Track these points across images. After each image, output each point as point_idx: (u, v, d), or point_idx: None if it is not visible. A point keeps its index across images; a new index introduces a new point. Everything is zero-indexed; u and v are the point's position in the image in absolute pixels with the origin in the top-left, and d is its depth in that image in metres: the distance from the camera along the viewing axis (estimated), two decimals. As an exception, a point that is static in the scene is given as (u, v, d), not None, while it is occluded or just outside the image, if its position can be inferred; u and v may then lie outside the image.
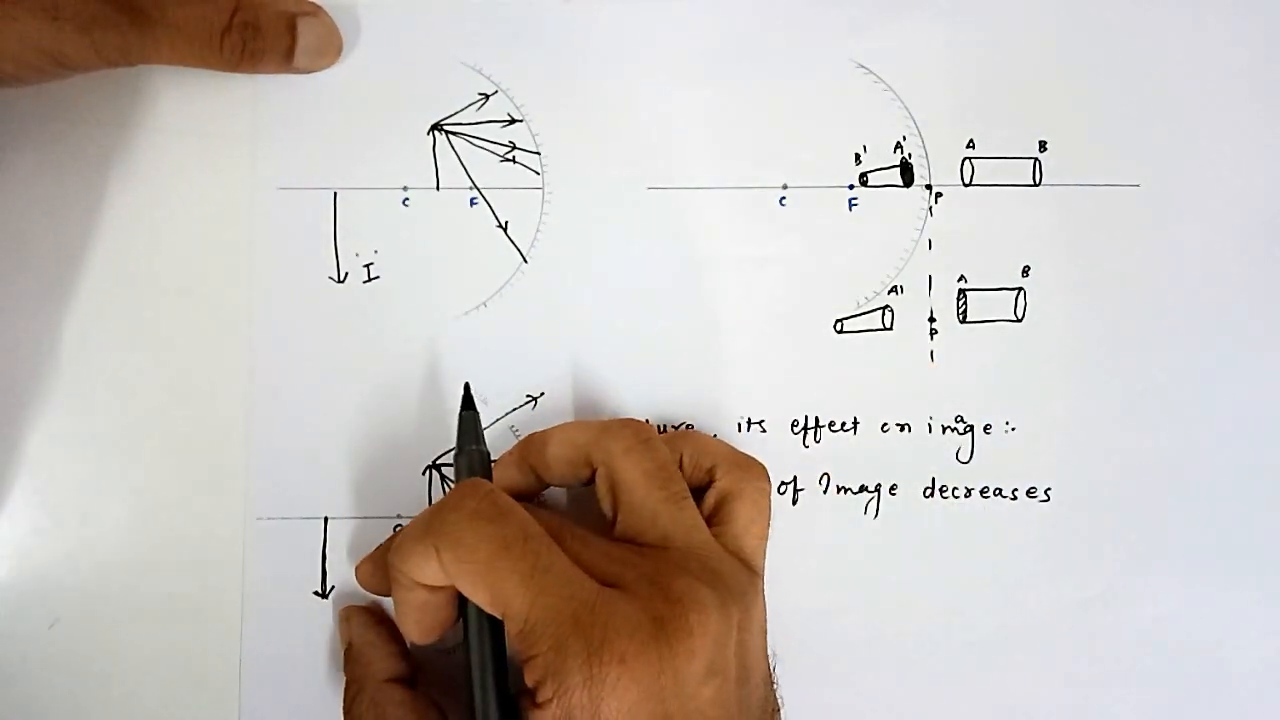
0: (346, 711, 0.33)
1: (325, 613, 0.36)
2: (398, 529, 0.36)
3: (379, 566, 0.34)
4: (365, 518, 0.36)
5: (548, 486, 0.34)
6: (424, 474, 0.36)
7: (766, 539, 0.33)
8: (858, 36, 0.37)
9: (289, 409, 0.36)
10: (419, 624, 0.31)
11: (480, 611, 0.29)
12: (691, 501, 0.32)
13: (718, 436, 0.36)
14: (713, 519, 0.32)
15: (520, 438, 0.36)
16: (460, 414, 0.33)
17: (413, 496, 0.36)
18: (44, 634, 0.35)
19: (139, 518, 0.36)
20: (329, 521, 0.36)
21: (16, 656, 0.35)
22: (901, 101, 0.37)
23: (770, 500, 0.33)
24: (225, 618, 0.35)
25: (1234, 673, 0.36)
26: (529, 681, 0.28)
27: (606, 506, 0.32)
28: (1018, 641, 0.36)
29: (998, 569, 0.36)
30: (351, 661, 0.34)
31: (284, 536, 0.36)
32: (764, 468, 0.34)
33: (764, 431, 0.37)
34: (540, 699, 0.27)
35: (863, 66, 0.37)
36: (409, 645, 0.34)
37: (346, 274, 0.36)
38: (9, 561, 0.35)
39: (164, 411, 0.36)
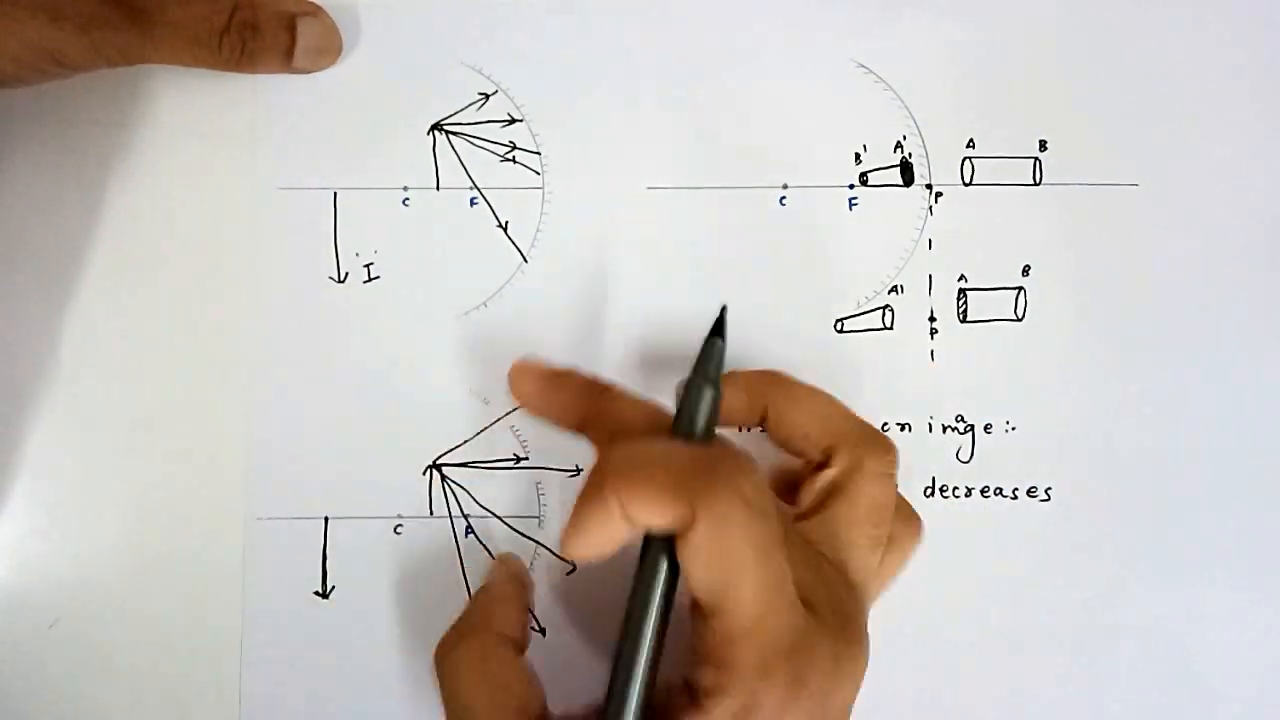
0: (443, 643, 0.31)
1: (325, 613, 0.36)
2: (398, 530, 0.36)
3: (550, 396, 0.32)
4: (365, 518, 0.36)
5: (755, 426, 0.32)
6: (424, 474, 0.36)
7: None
8: (858, 36, 0.37)
9: (289, 409, 0.36)
10: (596, 549, 0.27)
11: (666, 582, 0.27)
12: (881, 550, 0.30)
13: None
14: (818, 506, 0.31)
15: (521, 439, 0.36)
16: (707, 339, 0.30)
17: (413, 496, 0.36)
18: (44, 634, 0.35)
19: (139, 517, 0.36)
20: (329, 521, 0.36)
21: (16, 656, 0.35)
22: (901, 101, 0.37)
23: (915, 549, 0.32)
24: (225, 618, 0.35)
25: (1234, 673, 0.36)
26: (704, 680, 0.27)
27: (810, 494, 0.31)
28: (1018, 641, 0.36)
29: (998, 569, 0.36)
30: (478, 601, 0.32)
31: (284, 536, 0.36)
32: (918, 517, 0.32)
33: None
34: (709, 704, 0.26)
35: (863, 66, 0.37)
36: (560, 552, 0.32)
37: (346, 274, 0.36)
38: (9, 561, 0.35)
39: (164, 411, 0.36)
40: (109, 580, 0.35)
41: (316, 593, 0.36)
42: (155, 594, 0.35)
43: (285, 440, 0.36)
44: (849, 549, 0.30)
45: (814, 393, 0.32)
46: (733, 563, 0.26)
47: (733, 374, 0.31)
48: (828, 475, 0.30)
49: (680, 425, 0.29)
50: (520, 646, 0.31)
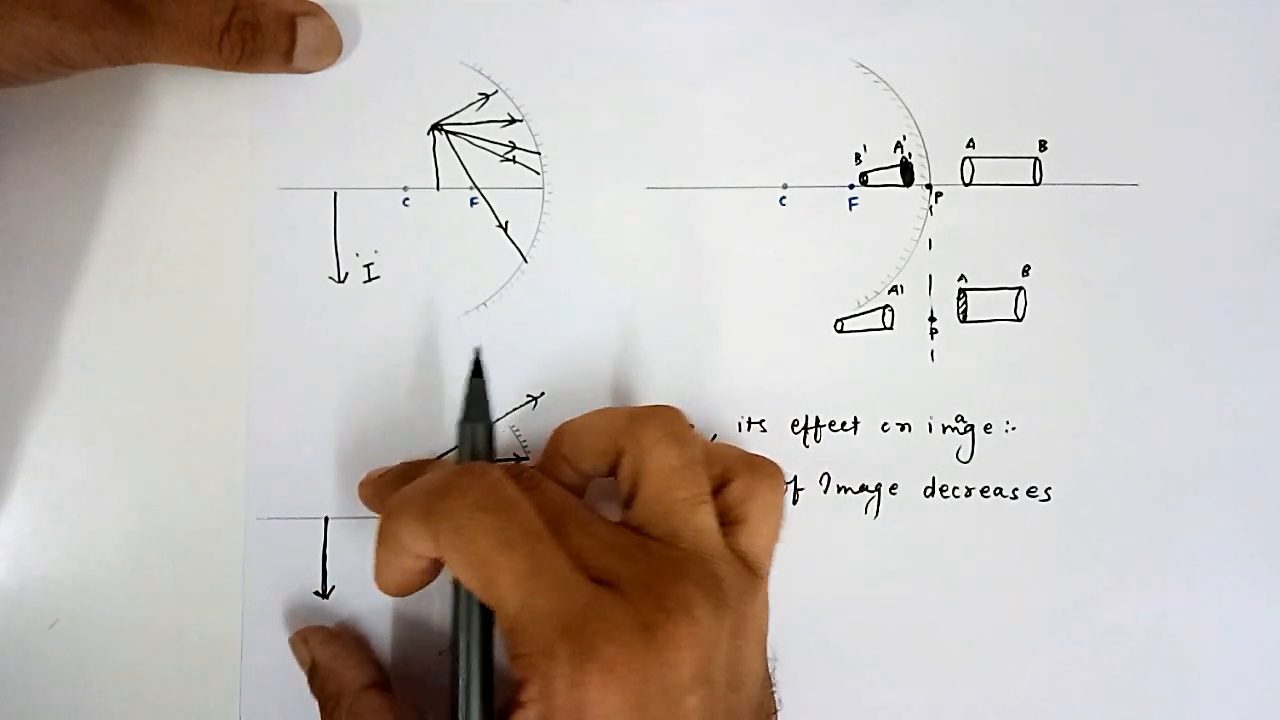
0: None
1: (325, 613, 0.36)
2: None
3: (382, 492, 0.34)
4: (365, 518, 0.36)
5: (591, 479, 0.33)
6: (424, 474, 0.36)
7: (777, 540, 0.32)
8: (858, 36, 0.37)
9: (289, 409, 0.36)
10: (398, 583, 0.31)
11: (471, 598, 0.30)
12: (710, 506, 0.31)
13: (717, 437, 0.36)
14: (726, 518, 0.32)
15: (520, 438, 0.36)
16: (469, 381, 0.32)
17: (413, 496, 0.36)
18: (44, 634, 0.35)
19: (139, 518, 0.36)
20: (329, 521, 0.36)
21: (16, 656, 0.35)
22: (901, 101, 0.37)
23: (784, 500, 0.33)
24: (225, 618, 0.35)
25: (1234, 673, 0.36)
26: (515, 675, 0.28)
27: (624, 492, 0.32)
28: (1018, 641, 0.36)
29: (998, 569, 0.36)
30: (320, 679, 0.34)
31: (284, 536, 0.36)
32: (778, 466, 0.33)
33: (764, 431, 0.37)
34: (524, 698, 0.27)
35: (863, 66, 0.37)
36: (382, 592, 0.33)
37: (346, 274, 0.36)
38: (9, 561, 0.35)
39: (164, 411, 0.36)
40: (109, 580, 0.35)
41: (316, 593, 0.36)
42: (155, 594, 0.35)
43: (285, 440, 0.36)
44: (669, 518, 0.30)
45: (586, 416, 0.33)
46: (478, 561, 0.28)
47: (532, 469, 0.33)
48: (622, 465, 0.32)
49: (461, 464, 0.31)
50: (384, 683, 0.34)
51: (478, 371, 0.33)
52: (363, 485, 0.35)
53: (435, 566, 0.30)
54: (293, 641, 0.35)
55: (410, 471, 0.34)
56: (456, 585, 0.30)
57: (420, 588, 0.31)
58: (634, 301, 0.37)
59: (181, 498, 0.36)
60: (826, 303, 0.37)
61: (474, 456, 0.32)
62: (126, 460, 0.36)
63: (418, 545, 0.29)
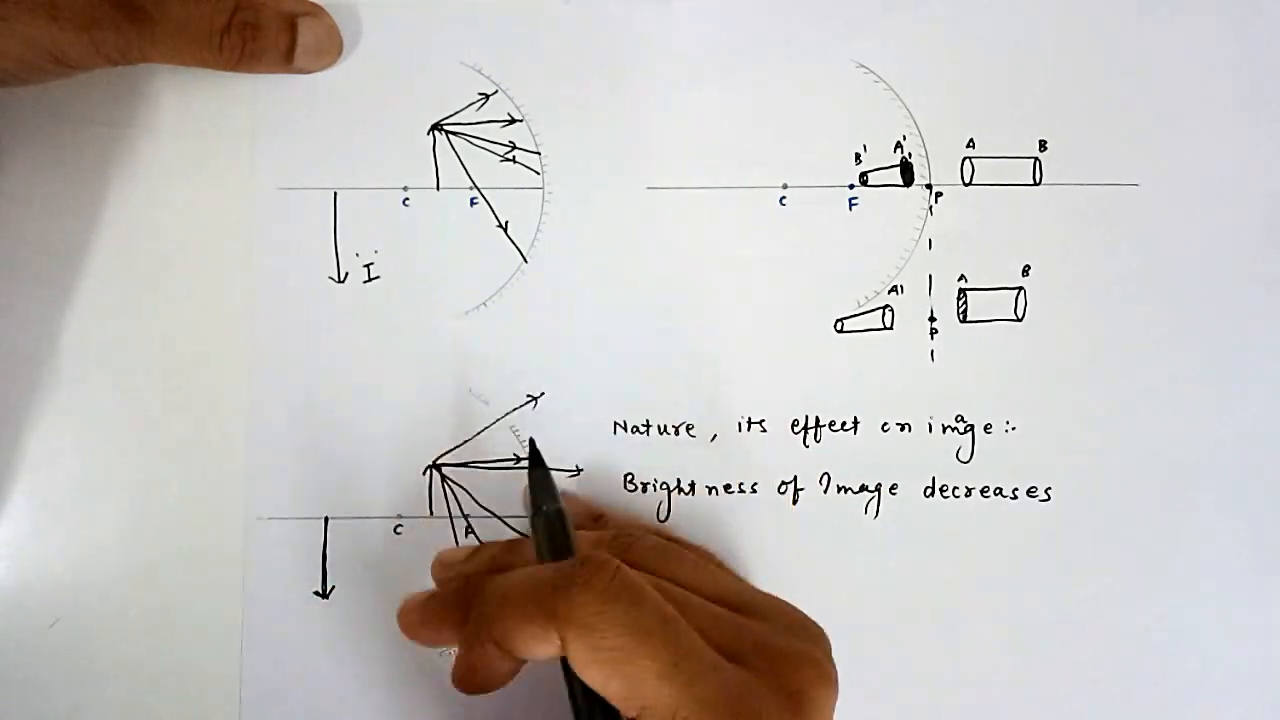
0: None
1: (325, 613, 0.36)
2: (398, 530, 0.36)
3: (433, 617, 0.32)
4: (365, 518, 0.36)
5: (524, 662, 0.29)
6: (424, 474, 0.36)
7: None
8: (858, 36, 0.37)
9: (289, 409, 0.36)
10: (481, 686, 0.29)
11: (594, 707, 0.27)
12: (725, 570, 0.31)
13: (717, 437, 0.36)
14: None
15: (521, 439, 0.36)
16: (530, 472, 0.32)
17: (413, 496, 0.36)
18: (44, 634, 0.35)
19: (139, 518, 0.36)
20: (329, 521, 0.36)
21: (16, 656, 0.35)
22: (901, 101, 0.37)
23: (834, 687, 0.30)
24: (225, 618, 0.35)
25: (1234, 673, 0.36)
26: None
27: None
28: (1018, 641, 0.36)
29: (998, 569, 0.36)
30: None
31: (284, 536, 0.36)
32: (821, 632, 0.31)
33: (764, 431, 0.37)
34: None
35: (863, 66, 0.37)
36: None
37: (346, 274, 0.36)
38: (9, 561, 0.35)
39: (164, 411, 0.36)
40: (109, 580, 0.35)
41: (316, 593, 0.36)
42: (155, 594, 0.35)
43: (285, 440, 0.36)
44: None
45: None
46: (618, 658, 0.26)
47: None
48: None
49: (540, 556, 0.30)
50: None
51: (537, 460, 0.32)
52: (405, 612, 0.32)
53: (521, 665, 0.29)
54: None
55: (473, 583, 0.32)
56: (574, 694, 0.28)
57: (501, 686, 0.29)
58: (634, 301, 0.37)
59: (181, 498, 0.36)
60: (826, 303, 0.37)
61: (553, 545, 0.30)
62: (126, 460, 0.36)
63: (536, 649, 0.27)
